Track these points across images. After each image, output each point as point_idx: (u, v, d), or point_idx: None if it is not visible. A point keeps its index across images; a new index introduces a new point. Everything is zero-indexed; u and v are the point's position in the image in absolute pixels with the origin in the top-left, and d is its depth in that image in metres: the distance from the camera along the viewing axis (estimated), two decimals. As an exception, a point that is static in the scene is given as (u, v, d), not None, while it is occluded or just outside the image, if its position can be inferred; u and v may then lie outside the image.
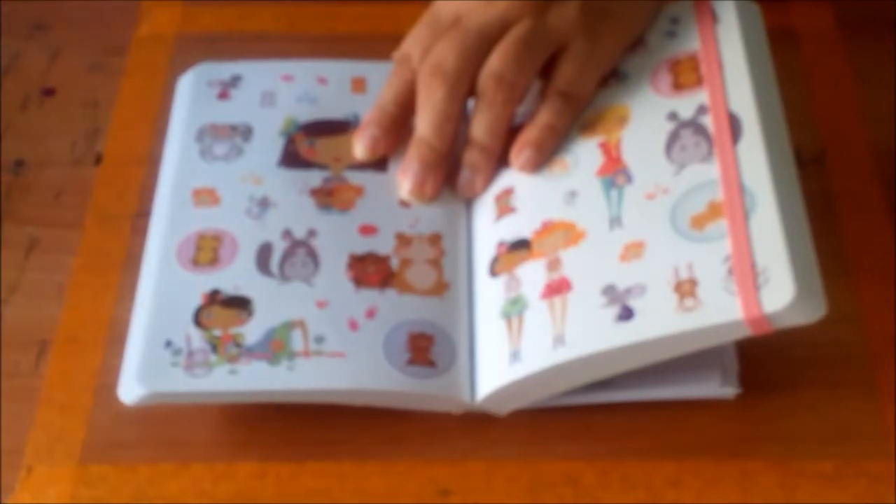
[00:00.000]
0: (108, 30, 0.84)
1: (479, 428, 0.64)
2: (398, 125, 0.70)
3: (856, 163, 0.74)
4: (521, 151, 0.69)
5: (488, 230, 0.68)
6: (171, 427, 0.64)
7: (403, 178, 0.69)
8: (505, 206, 0.68)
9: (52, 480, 0.63)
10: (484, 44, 0.69)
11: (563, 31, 0.69)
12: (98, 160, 0.76)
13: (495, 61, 0.68)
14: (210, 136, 0.71)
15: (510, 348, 0.62)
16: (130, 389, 0.62)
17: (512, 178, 0.69)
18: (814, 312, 0.58)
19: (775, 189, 0.61)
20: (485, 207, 0.69)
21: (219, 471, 0.63)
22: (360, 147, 0.70)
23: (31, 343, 0.68)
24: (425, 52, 0.70)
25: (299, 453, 0.63)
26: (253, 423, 0.64)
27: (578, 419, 0.64)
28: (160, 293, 0.65)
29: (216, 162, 0.70)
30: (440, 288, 0.66)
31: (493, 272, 0.66)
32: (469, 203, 0.70)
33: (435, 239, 0.68)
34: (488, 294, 0.65)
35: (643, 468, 0.62)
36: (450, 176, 0.70)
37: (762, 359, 0.65)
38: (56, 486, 0.62)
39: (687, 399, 0.64)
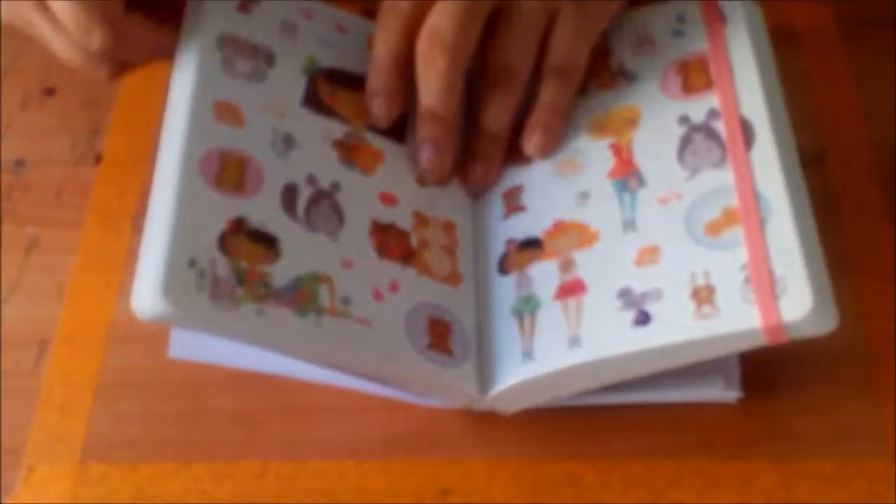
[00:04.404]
0: (108, 30, 0.84)
1: (479, 428, 0.64)
2: (402, 82, 0.69)
3: (856, 163, 0.74)
4: (531, 137, 0.68)
5: (496, 227, 0.68)
6: (171, 427, 0.64)
7: (418, 155, 0.68)
8: (514, 203, 0.68)
9: (52, 480, 0.63)
10: (478, 8, 0.67)
11: (551, 2, 0.69)
12: (98, 160, 0.76)
13: (501, 53, 0.68)
14: (232, 48, 0.68)
15: (522, 347, 0.62)
16: (151, 302, 0.57)
17: (521, 175, 0.69)
18: (827, 323, 0.58)
19: (789, 197, 0.61)
20: (492, 204, 0.69)
21: (219, 471, 0.63)
22: (376, 118, 0.69)
23: (31, 343, 0.68)
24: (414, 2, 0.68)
25: (299, 453, 0.63)
26: (253, 423, 0.64)
27: (579, 419, 0.64)
28: (182, 207, 0.60)
29: (239, 79, 0.67)
30: (455, 278, 0.66)
31: (503, 270, 0.66)
32: (476, 198, 0.70)
33: (449, 227, 0.67)
34: (498, 291, 0.65)
35: (643, 468, 0.62)
36: (459, 169, 0.70)
37: (762, 359, 0.64)
38: (56, 486, 0.63)
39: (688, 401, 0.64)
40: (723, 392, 0.63)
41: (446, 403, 0.64)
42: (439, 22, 0.67)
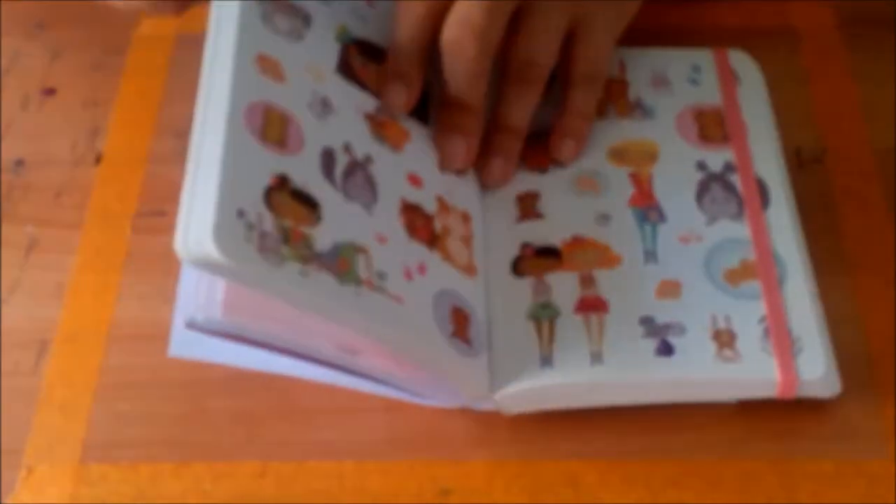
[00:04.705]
0: (108, 30, 0.83)
1: (479, 428, 0.64)
2: (423, 68, 0.68)
3: (856, 162, 0.74)
4: (561, 143, 0.69)
5: (509, 228, 0.68)
6: (171, 427, 0.64)
7: (443, 142, 0.68)
8: (530, 209, 0.68)
9: (52, 480, 0.63)
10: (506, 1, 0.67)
11: (574, 2, 0.69)
12: (98, 160, 0.76)
13: (524, 49, 0.68)
14: (271, 4, 0.65)
15: (540, 352, 0.63)
16: (199, 245, 0.54)
17: (536, 182, 0.69)
18: (833, 388, 0.62)
19: (802, 260, 0.64)
20: (503, 204, 0.69)
21: (218, 471, 0.63)
22: (393, 104, 0.68)
23: (31, 343, 0.68)
24: None
25: (299, 453, 0.63)
26: (253, 423, 0.64)
27: (579, 419, 0.64)
28: (230, 157, 0.58)
29: (279, 34, 0.65)
30: (471, 270, 0.65)
31: (518, 272, 0.66)
32: (483, 194, 0.70)
33: (466, 218, 0.67)
34: (512, 292, 0.65)
35: (643, 468, 0.62)
36: (476, 163, 0.69)
37: (762, 359, 0.65)
38: (56, 486, 0.62)
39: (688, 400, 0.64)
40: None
41: (447, 403, 0.64)
42: (469, 10, 0.66)
